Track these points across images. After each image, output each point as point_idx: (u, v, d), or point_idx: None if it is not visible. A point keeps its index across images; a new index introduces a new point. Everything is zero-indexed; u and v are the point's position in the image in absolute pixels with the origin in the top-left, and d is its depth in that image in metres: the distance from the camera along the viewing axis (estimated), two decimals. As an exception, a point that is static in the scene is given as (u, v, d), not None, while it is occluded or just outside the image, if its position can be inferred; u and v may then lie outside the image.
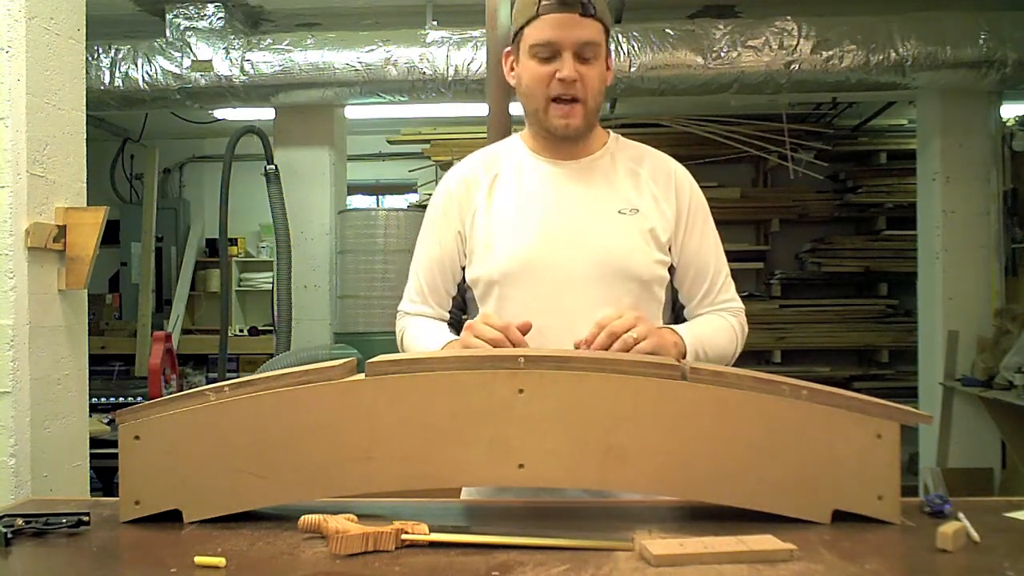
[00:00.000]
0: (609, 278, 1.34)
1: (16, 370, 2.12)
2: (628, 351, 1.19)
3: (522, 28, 1.36)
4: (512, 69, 1.43)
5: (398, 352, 1.47)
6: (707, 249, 1.43)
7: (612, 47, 1.36)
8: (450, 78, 4.00)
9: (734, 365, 1.33)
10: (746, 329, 1.46)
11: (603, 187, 1.41)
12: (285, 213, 4.16)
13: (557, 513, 1.14)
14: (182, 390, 1.55)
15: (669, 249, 1.40)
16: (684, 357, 1.30)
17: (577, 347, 1.22)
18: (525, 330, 1.23)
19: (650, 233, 1.38)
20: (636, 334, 1.20)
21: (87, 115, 2.44)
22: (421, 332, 1.43)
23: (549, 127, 1.38)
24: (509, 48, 1.44)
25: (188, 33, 4.11)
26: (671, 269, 1.42)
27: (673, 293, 1.45)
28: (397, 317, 1.52)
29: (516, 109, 3.17)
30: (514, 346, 1.21)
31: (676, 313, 1.47)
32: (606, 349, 1.20)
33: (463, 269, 1.45)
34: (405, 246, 4.25)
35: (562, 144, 1.41)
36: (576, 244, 1.36)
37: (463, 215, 1.43)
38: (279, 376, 1.07)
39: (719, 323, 1.42)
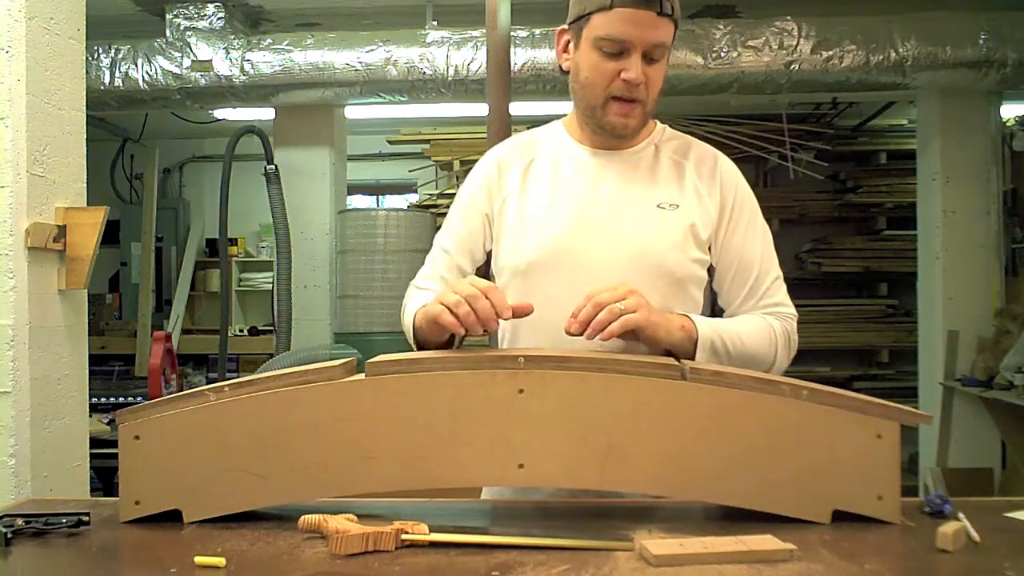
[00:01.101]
0: (641, 273, 1.26)
1: (16, 370, 2.12)
2: (614, 321, 1.14)
3: (590, 14, 1.26)
4: (566, 50, 1.34)
5: (400, 335, 1.44)
6: (752, 247, 1.34)
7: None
8: (450, 78, 4.00)
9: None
10: (794, 338, 1.33)
11: (644, 179, 1.34)
12: (285, 213, 4.16)
13: (557, 513, 1.14)
14: (182, 390, 1.54)
15: (710, 249, 1.33)
16: (695, 346, 1.22)
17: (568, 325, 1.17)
18: (521, 313, 1.16)
19: (690, 230, 1.30)
20: (623, 306, 1.14)
21: (87, 115, 2.44)
22: (416, 300, 1.36)
23: (605, 124, 1.31)
24: (565, 27, 1.34)
25: (188, 33, 4.11)
26: (711, 270, 1.34)
27: (713, 296, 1.37)
28: (407, 291, 1.45)
29: (516, 109, 3.15)
30: (495, 308, 1.13)
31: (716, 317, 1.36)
32: (590, 320, 1.14)
33: (488, 253, 1.39)
34: (405, 246, 4.26)
35: (611, 137, 1.34)
36: (609, 237, 1.29)
37: (493, 199, 1.38)
38: (279, 376, 1.07)
39: (754, 322, 1.30)
